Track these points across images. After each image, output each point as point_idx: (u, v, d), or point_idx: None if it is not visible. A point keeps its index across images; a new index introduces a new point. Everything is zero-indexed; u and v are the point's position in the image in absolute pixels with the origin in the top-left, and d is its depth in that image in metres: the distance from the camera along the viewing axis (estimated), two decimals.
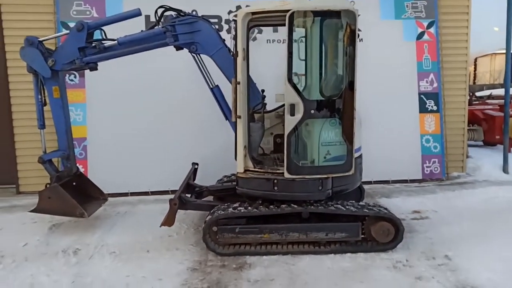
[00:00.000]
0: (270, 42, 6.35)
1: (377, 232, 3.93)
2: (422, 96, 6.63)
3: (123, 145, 6.12)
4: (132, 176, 6.15)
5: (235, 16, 6.08)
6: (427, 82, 6.64)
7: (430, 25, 6.62)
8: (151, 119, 6.18)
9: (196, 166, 5.30)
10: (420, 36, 6.61)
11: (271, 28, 6.18)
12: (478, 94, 12.88)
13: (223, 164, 5.88)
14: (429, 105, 6.65)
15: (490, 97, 12.35)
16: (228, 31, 6.24)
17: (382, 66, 6.41)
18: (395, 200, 5.62)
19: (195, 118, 6.24)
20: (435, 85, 6.66)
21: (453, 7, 6.70)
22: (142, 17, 5.19)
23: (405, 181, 6.58)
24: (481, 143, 9.70)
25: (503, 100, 10.08)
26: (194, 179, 5.24)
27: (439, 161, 6.68)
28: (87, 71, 5.26)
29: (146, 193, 6.16)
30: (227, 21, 6.31)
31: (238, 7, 6.36)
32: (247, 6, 6.32)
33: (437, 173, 6.67)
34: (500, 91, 13.58)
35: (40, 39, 4.34)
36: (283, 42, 6.33)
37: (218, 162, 5.95)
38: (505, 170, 7.05)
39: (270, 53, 5.97)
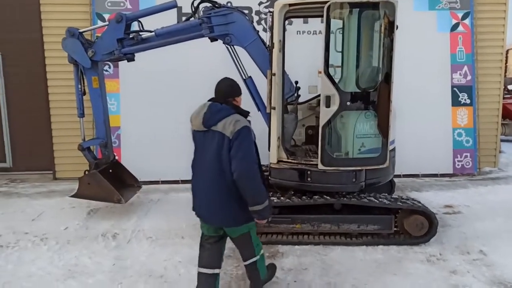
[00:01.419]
0: (300, 33, 6.33)
1: (410, 225, 3.92)
2: (455, 89, 6.50)
3: (155, 134, 6.27)
4: (163, 164, 6.30)
5: (266, 7, 6.10)
6: (460, 74, 6.50)
7: (465, 16, 6.46)
8: (183, 108, 6.19)
9: None
10: (454, 27, 6.46)
11: (301, 19, 6.17)
12: (510, 87, 12.45)
13: None
14: (462, 98, 6.51)
15: None
16: (259, 22, 6.27)
17: (415, 58, 6.29)
18: (426, 194, 5.56)
19: None
20: (469, 77, 6.51)
21: None
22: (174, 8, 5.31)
23: (435, 175, 6.49)
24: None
25: None
26: None
27: (471, 155, 6.55)
28: (121, 62, 5.42)
29: (176, 182, 6.30)
30: (258, 12, 6.33)
31: None
32: None
33: (468, 168, 6.55)
34: None
35: (80, 30, 4.47)
36: (313, 34, 6.38)
37: None
38: None
39: (301, 45, 5.96)
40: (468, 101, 6.52)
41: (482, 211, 4.83)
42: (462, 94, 6.52)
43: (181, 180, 6.31)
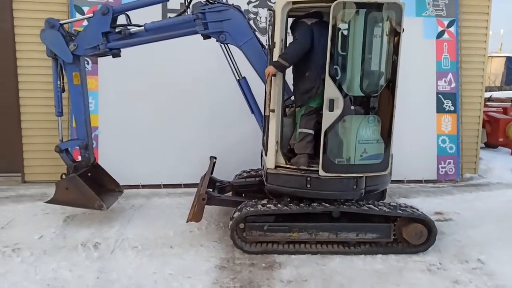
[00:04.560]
0: (289, 35, 6.16)
1: (409, 233, 3.83)
2: (440, 95, 6.56)
3: (135, 135, 5.92)
4: (144, 168, 5.96)
5: (255, 6, 5.92)
6: (445, 81, 6.57)
7: (450, 24, 6.54)
8: (165, 110, 5.99)
9: (214, 160, 5.13)
10: (440, 34, 6.52)
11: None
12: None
13: (238, 159, 5.77)
14: (446, 105, 6.58)
15: (490, 99, 12.34)
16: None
17: (401, 63, 6.24)
18: (415, 200, 5.54)
19: (210, 111, 6.07)
20: (453, 85, 6.58)
21: (473, 6, 6.62)
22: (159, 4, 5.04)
23: (420, 181, 6.51)
24: (483, 145, 9.68)
25: (508, 103, 10.18)
26: (212, 173, 5.08)
27: (454, 162, 6.63)
28: (100, 58, 5.07)
29: (158, 186, 5.98)
30: (246, 12, 6.14)
31: None
32: None
33: (451, 174, 6.62)
34: (500, 94, 13.67)
35: (62, 22, 4.12)
36: None
37: (233, 156, 5.82)
38: None
39: None
40: (452, 108, 6.60)
41: (473, 218, 4.84)
42: (447, 101, 6.58)
43: (163, 185, 6.00)
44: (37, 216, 4.67)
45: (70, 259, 3.64)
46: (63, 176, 4.36)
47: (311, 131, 3.88)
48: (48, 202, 4.27)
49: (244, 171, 5.27)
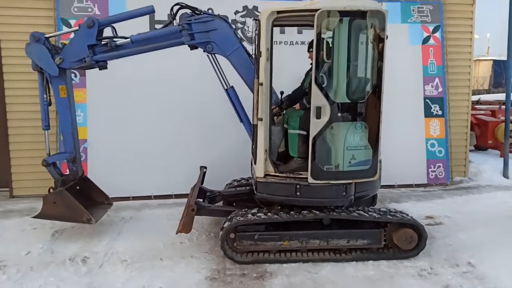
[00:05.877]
0: (277, 43, 6.20)
1: (400, 239, 3.84)
2: (427, 100, 6.62)
3: (124, 147, 5.89)
4: (134, 179, 5.92)
5: (242, 16, 5.97)
6: (432, 86, 6.64)
7: (435, 30, 6.63)
8: (154, 120, 5.98)
9: (204, 170, 5.11)
10: (426, 40, 6.61)
11: (277, 28, 6.06)
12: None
13: (228, 168, 5.75)
14: (434, 110, 6.64)
15: (478, 102, 12.48)
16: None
17: (388, 69, 6.28)
18: (405, 205, 5.56)
19: (199, 121, 6.07)
20: (440, 89, 6.66)
21: (458, 12, 6.73)
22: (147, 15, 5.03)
23: (411, 185, 6.54)
24: (472, 147, 9.78)
25: (496, 106, 10.31)
26: (202, 183, 5.05)
27: (444, 165, 6.67)
28: (88, 70, 5.05)
29: (148, 197, 5.93)
30: (234, 22, 6.18)
31: (245, 8, 6.27)
32: (253, 6, 6.27)
33: (441, 178, 6.66)
34: (488, 97, 13.85)
35: (47, 36, 4.10)
36: (290, 44, 6.31)
37: (224, 165, 5.81)
38: (505, 175, 7.10)
39: (279, 55, 5.84)
40: (440, 112, 6.66)
41: (463, 221, 4.86)
42: (434, 105, 6.65)
43: (154, 196, 5.96)
44: (25, 231, 4.60)
45: (58, 275, 3.58)
46: (51, 190, 4.30)
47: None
48: (35, 217, 4.21)
49: (234, 180, 5.25)
